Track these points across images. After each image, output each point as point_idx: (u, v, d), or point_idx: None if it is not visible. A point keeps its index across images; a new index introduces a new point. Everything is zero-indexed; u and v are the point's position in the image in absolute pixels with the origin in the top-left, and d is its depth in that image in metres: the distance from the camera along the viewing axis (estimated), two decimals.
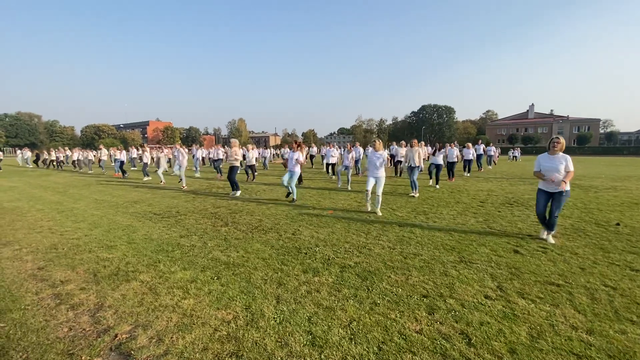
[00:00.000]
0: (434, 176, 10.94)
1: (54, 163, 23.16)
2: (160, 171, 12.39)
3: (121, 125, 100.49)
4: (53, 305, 2.95)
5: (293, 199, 8.19)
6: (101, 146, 19.51)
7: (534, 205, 7.47)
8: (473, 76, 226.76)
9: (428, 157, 16.02)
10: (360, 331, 2.51)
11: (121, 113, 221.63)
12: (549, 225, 4.81)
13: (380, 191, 6.60)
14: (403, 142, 17.10)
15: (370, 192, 6.72)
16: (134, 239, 4.99)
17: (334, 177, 13.89)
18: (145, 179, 13.82)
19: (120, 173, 15.56)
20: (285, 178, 8.11)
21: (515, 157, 33.18)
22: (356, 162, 14.06)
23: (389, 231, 5.35)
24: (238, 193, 9.31)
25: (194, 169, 16.78)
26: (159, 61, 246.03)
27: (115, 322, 2.65)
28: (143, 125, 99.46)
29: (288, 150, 21.88)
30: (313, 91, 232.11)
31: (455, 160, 12.92)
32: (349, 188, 10.37)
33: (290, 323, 2.62)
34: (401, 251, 4.33)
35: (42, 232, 5.45)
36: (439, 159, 10.89)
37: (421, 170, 9.45)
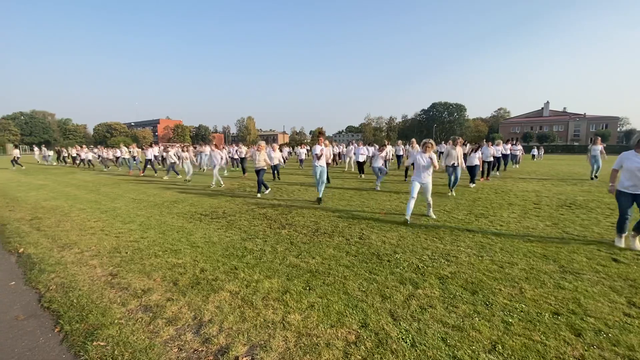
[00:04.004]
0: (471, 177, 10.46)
1: (76, 161, 23.18)
2: (215, 170, 11.47)
3: (132, 124, 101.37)
4: (147, 319, 2.68)
5: (319, 198, 7.81)
6: (121, 144, 19.49)
7: (596, 208, 7.15)
8: (484, 73, 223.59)
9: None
10: (512, 357, 2.19)
11: (132, 111, 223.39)
12: (638, 228, 4.40)
13: (429, 196, 6.09)
14: (399, 141, 17.36)
15: (414, 200, 5.87)
16: (195, 242, 4.73)
17: (362, 175, 13.55)
18: (166, 177, 13.82)
19: (140, 171, 15.56)
20: (318, 175, 7.68)
21: (534, 155, 32.28)
22: (385, 161, 13.81)
23: (461, 235, 5.01)
24: (267, 191, 9.25)
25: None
26: (168, 59, 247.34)
27: (227, 341, 2.37)
28: (154, 124, 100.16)
29: (304, 147, 21.33)
30: (321, 89, 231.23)
31: (491, 159, 12.49)
32: (378, 188, 9.91)
33: (425, 345, 2.31)
34: (492, 259, 3.99)
35: (95, 233, 5.24)
36: (475, 160, 10.33)
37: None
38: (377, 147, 11.63)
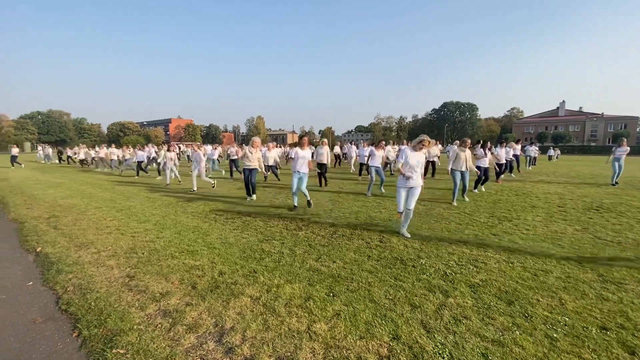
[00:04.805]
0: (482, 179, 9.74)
1: (79, 160, 22.53)
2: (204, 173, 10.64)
3: (145, 123, 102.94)
4: (167, 325, 2.57)
5: (308, 201, 7.10)
6: (113, 145, 19.12)
7: (626, 212, 6.80)
8: (497, 72, 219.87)
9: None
10: None
11: (145, 111, 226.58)
12: None
13: (413, 204, 4.91)
14: (404, 141, 15.68)
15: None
16: (211, 242, 4.63)
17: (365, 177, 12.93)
18: (158, 178, 13.34)
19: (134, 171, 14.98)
20: (295, 183, 6.83)
21: (551, 156, 31.67)
22: (387, 163, 13.28)
23: (486, 240, 4.79)
24: (251, 198, 8.09)
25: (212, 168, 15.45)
26: (179, 59, 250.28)
27: (251, 353, 2.24)
28: (165, 123, 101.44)
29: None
30: (330, 88, 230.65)
31: (504, 161, 11.96)
32: (382, 190, 9.30)
33: None
34: (523, 266, 3.77)
35: (111, 232, 5.19)
36: (486, 162, 9.46)
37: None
38: (375, 144, 9.94)
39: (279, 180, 12.27)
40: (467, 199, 8.04)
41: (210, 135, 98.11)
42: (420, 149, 4.93)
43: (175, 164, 11.64)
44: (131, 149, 17.34)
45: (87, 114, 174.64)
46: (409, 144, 5.17)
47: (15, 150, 20.97)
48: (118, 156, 17.05)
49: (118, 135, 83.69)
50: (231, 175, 13.35)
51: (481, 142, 11.83)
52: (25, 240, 4.88)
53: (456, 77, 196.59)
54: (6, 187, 10.91)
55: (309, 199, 7.12)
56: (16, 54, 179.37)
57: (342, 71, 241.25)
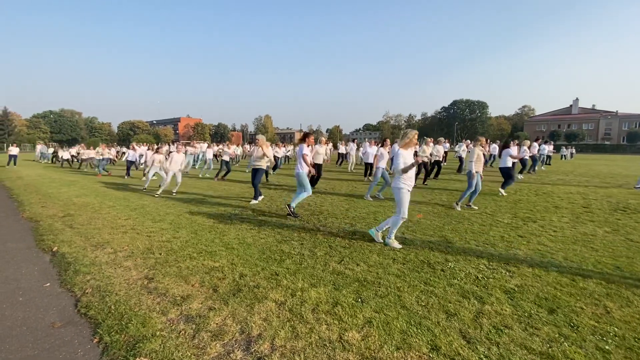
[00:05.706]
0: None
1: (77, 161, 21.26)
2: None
3: (154, 122, 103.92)
4: (190, 331, 2.45)
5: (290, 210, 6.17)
6: (102, 144, 18.61)
7: None
8: (508, 69, 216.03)
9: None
10: None
11: (155, 109, 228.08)
12: None
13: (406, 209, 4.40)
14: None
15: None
16: (229, 243, 4.52)
17: (370, 178, 12.22)
18: (142, 179, 11.75)
19: (100, 173, 14.58)
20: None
21: (564, 155, 31.12)
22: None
23: (514, 242, 4.58)
24: (260, 198, 7.77)
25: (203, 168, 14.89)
26: (189, 57, 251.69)
27: None
28: (174, 122, 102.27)
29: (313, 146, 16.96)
30: (338, 87, 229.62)
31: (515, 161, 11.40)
32: (380, 196, 8.15)
33: None
34: (559, 271, 3.56)
35: (127, 232, 5.12)
36: (508, 161, 8.76)
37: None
38: (381, 144, 8.77)
39: (267, 180, 11.78)
40: (475, 207, 6.99)
41: (219, 134, 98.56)
42: (410, 146, 4.41)
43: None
44: (107, 149, 16.63)
45: (97, 113, 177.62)
46: (398, 143, 4.55)
47: (15, 150, 20.10)
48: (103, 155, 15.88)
49: (128, 134, 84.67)
50: (217, 174, 12.60)
51: (487, 140, 11.37)
52: (41, 239, 4.83)
53: (466, 75, 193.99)
54: (20, 185, 11.00)
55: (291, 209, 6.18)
56: (24, 54, 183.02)
57: (350, 69, 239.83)
